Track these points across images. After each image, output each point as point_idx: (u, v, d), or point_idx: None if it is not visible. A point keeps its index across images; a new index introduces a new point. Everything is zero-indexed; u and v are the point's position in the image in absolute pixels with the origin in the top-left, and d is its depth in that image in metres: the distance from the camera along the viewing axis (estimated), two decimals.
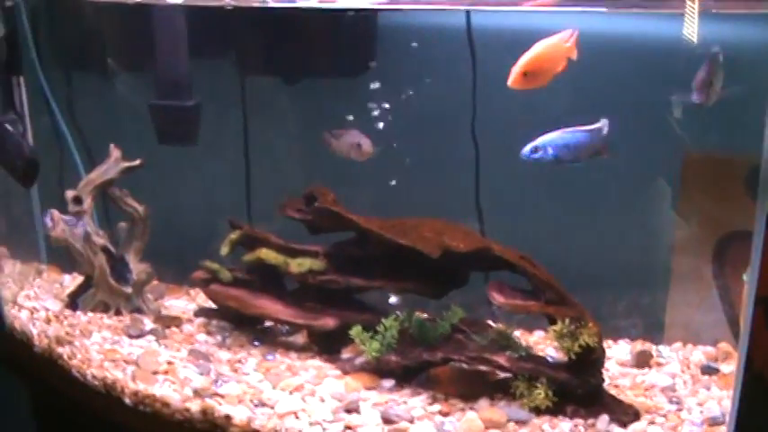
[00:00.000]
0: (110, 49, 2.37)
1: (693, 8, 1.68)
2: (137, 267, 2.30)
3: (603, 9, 1.83)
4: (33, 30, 2.37)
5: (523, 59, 1.68)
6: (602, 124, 1.77)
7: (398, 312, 2.02)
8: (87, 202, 2.26)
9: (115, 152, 2.24)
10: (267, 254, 2.16)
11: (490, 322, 2.06)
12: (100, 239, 2.28)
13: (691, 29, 1.72)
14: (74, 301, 2.32)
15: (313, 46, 2.25)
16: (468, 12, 2.09)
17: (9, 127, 2.21)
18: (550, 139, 1.75)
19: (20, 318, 2.27)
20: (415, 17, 2.14)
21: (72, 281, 2.50)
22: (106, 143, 2.26)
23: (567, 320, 1.81)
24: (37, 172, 2.18)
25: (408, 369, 1.94)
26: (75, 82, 2.48)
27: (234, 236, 2.21)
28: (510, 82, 1.68)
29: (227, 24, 2.19)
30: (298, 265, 2.12)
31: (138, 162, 2.25)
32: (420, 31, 2.13)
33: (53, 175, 2.42)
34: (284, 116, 2.34)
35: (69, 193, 2.27)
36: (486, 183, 2.23)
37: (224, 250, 2.21)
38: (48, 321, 2.25)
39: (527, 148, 1.75)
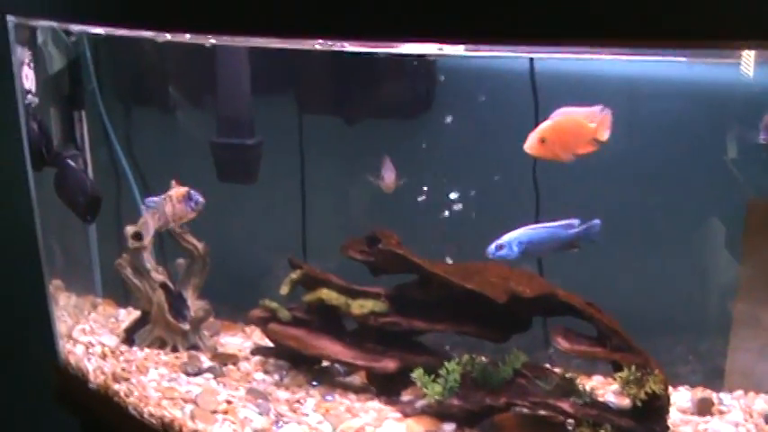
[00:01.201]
0: (171, 85, 2.41)
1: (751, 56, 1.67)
2: (194, 304, 2.31)
3: (678, 58, 1.83)
4: (95, 64, 2.40)
5: (542, 126, 1.68)
6: (572, 221, 1.80)
7: (455, 354, 2.05)
8: (147, 239, 2.26)
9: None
10: (328, 294, 2.17)
11: (549, 366, 2.07)
12: (159, 276, 2.29)
13: (748, 71, 1.72)
14: (130, 337, 2.33)
15: (374, 86, 2.28)
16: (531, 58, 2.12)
17: (71, 162, 2.23)
18: (515, 236, 1.78)
19: (75, 353, 2.29)
20: (475, 59, 2.12)
21: (127, 315, 2.51)
22: (165, 179, 2.26)
23: (632, 367, 1.81)
24: (99, 208, 2.20)
25: (471, 413, 1.93)
26: (135, 117, 2.52)
27: (294, 275, 2.22)
28: (526, 146, 1.68)
29: (287, 61, 2.21)
30: (360, 307, 2.13)
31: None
32: (481, 74, 2.14)
33: (110, 210, 2.44)
34: (342, 155, 2.37)
35: (129, 229, 2.27)
36: None
37: (284, 290, 2.22)
38: (104, 357, 2.25)
39: (492, 246, 1.78)
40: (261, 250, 2.42)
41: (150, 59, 2.38)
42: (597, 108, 1.70)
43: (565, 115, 1.69)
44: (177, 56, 2.34)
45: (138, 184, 2.48)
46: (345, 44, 1.77)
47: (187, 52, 2.21)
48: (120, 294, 2.48)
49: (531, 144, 1.67)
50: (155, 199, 2.05)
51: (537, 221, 2.18)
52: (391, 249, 2.09)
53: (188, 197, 2.02)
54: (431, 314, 2.08)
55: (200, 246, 2.31)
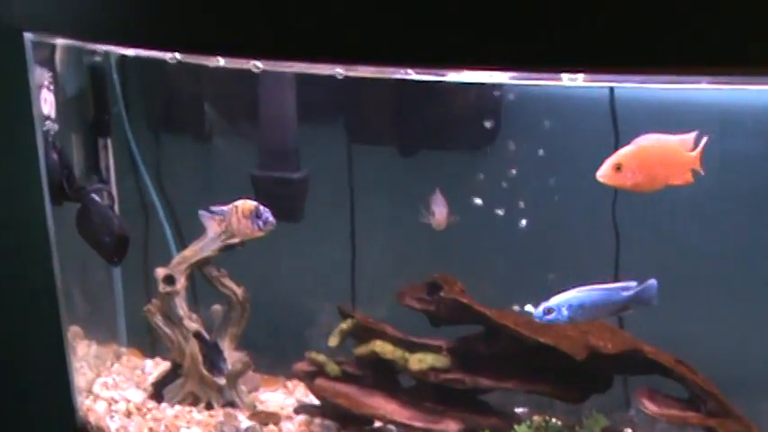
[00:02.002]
0: (207, 111, 2.50)
1: None
2: (231, 356, 2.36)
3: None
4: (122, 86, 2.50)
5: (622, 151, 1.74)
6: (628, 283, 1.86)
7: (525, 416, 2.13)
8: (181, 282, 2.33)
9: (214, 227, 2.25)
10: (383, 347, 2.24)
11: (630, 431, 2.17)
12: (193, 324, 2.35)
13: None
14: (158, 392, 2.39)
15: (433, 114, 2.36)
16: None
17: (96, 197, 2.28)
18: (566, 299, 1.83)
19: (95, 410, 2.35)
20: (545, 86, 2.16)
21: (155, 367, 2.60)
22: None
23: None
24: (126, 248, 2.24)
25: None
26: (167, 146, 2.60)
27: (345, 325, 2.29)
28: (600, 173, 1.73)
29: (335, 87, 2.21)
30: (418, 362, 2.20)
31: (238, 239, 2.27)
32: (552, 101, 2.20)
33: (138, 250, 2.51)
34: (396, 190, 2.44)
35: (161, 272, 2.34)
36: (627, 273, 2.23)
37: (333, 341, 2.29)
38: (128, 414, 2.32)
39: (539, 309, 1.83)
40: (306, 296, 2.49)
41: (184, 82, 2.48)
42: (692, 135, 1.76)
43: (651, 141, 1.74)
44: (215, 78, 2.42)
45: (170, 221, 2.57)
46: (409, 71, 1.83)
47: (226, 75, 2.26)
48: (148, 343, 2.55)
49: (605, 171, 1.72)
50: (222, 208, 2.07)
51: (616, 267, 2.29)
52: (454, 297, 2.17)
53: (256, 213, 2.02)
54: (498, 370, 2.15)
55: (239, 291, 2.36)
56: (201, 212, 2.12)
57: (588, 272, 2.19)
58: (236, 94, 2.41)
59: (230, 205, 2.03)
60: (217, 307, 2.41)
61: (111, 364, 2.60)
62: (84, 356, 2.44)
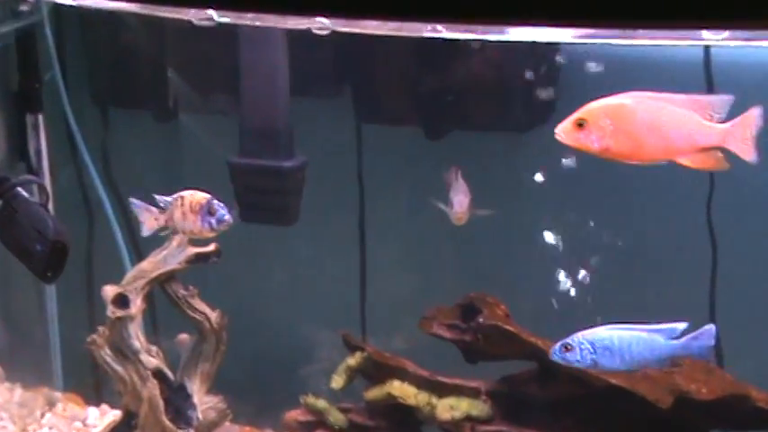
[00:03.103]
0: (172, 79, 2.48)
1: None
2: (203, 402, 2.35)
3: None
4: (59, 50, 2.49)
5: (595, 103, 1.70)
6: (676, 325, 1.78)
7: None
8: (137, 305, 2.31)
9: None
10: (402, 390, 2.23)
11: None
12: (152, 359, 2.33)
13: None
14: None
15: (467, 85, 2.34)
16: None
17: (23, 192, 2.18)
18: (590, 338, 1.77)
19: None
20: (612, 49, 2.20)
21: (101, 417, 2.57)
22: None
23: None
24: (64, 260, 2.11)
25: None
26: (118, 124, 2.62)
27: (352, 360, 2.29)
28: (558, 128, 1.70)
29: (341, 51, 2.29)
30: (449, 409, 2.18)
31: (212, 248, 2.27)
32: (627, 66, 2.17)
33: (79, 263, 2.52)
34: (419, 184, 2.45)
35: (110, 290, 2.31)
36: (727, 290, 2.29)
37: (337, 382, 2.29)
38: None
39: (557, 345, 1.79)
40: (302, 321, 2.52)
41: (140, 39, 2.47)
42: (724, 98, 1.70)
43: (641, 96, 1.69)
44: (181, 35, 2.39)
45: (122, 223, 2.56)
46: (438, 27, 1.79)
47: (195, 31, 2.17)
48: (91, 386, 2.57)
49: (564, 126, 1.69)
50: (165, 198, 2.06)
51: (712, 285, 2.28)
52: (496, 324, 2.16)
53: (207, 209, 2.00)
54: (555, 421, 2.14)
55: (212, 315, 2.34)
56: (134, 201, 2.08)
57: (677, 291, 2.27)
58: (210, 56, 2.39)
59: (175, 195, 2.02)
60: (184, 336, 2.42)
61: (42, 415, 2.59)
62: (4, 404, 2.49)
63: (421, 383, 2.24)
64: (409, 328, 2.32)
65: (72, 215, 2.53)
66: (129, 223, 2.58)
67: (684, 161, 1.68)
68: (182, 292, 2.38)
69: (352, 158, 2.46)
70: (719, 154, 1.68)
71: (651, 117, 1.67)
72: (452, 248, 2.44)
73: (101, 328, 2.37)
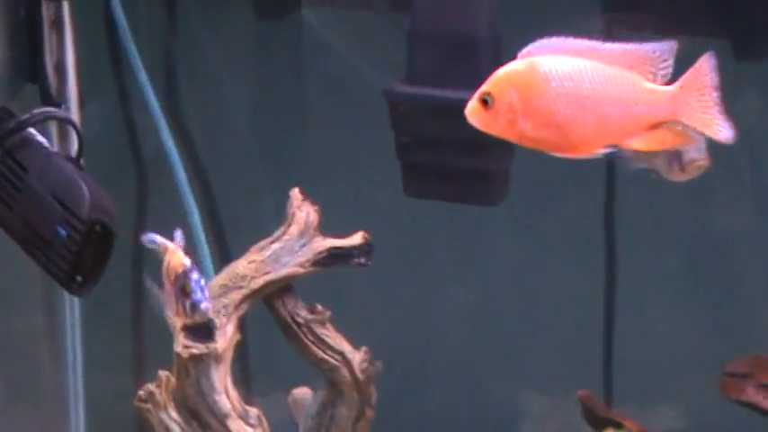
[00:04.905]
0: None
1: None
2: None
3: None
4: None
5: (501, 70, 1.81)
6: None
7: None
8: (227, 335, 2.25)
9: (301, 208, 2.28)
10: None
11: None
12: (250, 430, 2.27)
13: None
14: None
15: None
16: None
17: (38, 138, 2.24)
18: None
19: None
20: None
21: None
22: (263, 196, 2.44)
23: None
24: (107, 257, 2.18)
25: None
26: (191, 21, 2.80)
27: None
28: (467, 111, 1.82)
29: None
30: None
31: (358, 239, 2.28)
32: None
33: (122, 257, 2.43)
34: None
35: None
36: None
37: None
38: None
39: None
40: (506, 376, 2.70)
41: None
42: (665, 45, 1.79)
43: (556, 46, 1.80)
44: None
45: (200, 193, 2.66)
46: None
47: None
48: None
49: (470, 106, 1.81)
50: (154, 238, 2.14)
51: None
52: None
53: (180, 284, 2.08)
54: None
55: (356, 357, 2.31)
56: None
57: None
58: None
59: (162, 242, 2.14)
60: (304, 392, 2.39)
61: None
62: None
63: None
64: (693, 389, 2.52)
65: (112, 178, 2.47)
66: (211, 196, 2.72)
67: (635, 144, 1.80)
68: (304, 314, 2.31)
69: None
70: (678, 127, 1.80)
71: (572, 86, 1.79)
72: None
73: (161, 375, 2.27)
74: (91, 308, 2.58)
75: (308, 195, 2.32)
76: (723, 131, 1.75)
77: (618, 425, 2.29)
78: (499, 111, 1.79)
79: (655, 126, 1.79)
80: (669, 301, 2.74)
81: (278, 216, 2.31)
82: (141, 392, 2.26)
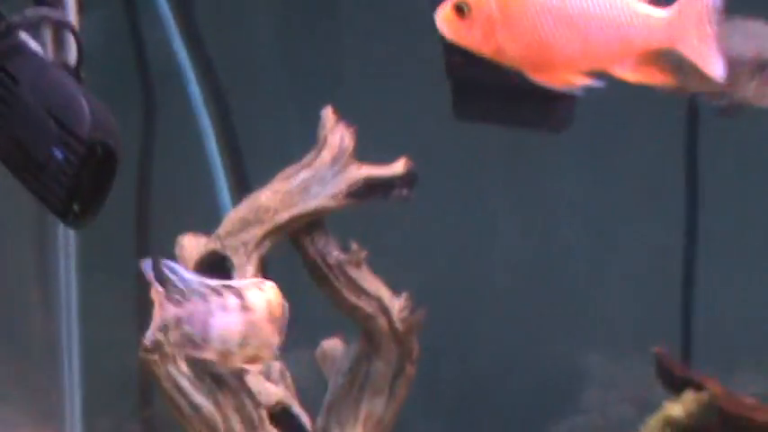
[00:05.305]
0: None
1: None
2: None
3: None
4: None
5: None
6: None
7: None
8: (247, 275, 2.27)
9: (334, 131, 2.29)
10: None
11: None
12: (273, 387, 2.29)
13: None
14: None
15: None
16: None
17: (29, 43, 2.16)
18: None
19: None
20: None
21: None
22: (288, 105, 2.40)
23: None
24: (109, 184, 2.10)
25: None
26: None
27: (677, 409, 2.26)
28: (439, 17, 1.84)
29: None
30: None
31: (400, 167, 2.29)
32: None
33: (125, 189, 2.46)
34: None
35: (191, 245, 2.29)
36: None
37: None
38: None
39: None
40: (566, 330, 2.75)
41: None
42: None
43: None
44: None
45: (216, 113, 2.68)
46: None
47: None
48: None
49: (443, 14, 1.82)
50: (179, 271, 2.07)
51: None
52: None
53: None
54: None
55: (395, 305, 2.31)
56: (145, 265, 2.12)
57: None
58: None
59: (217, 284, 2.06)
60: (333, 344, 2.40)
61: None
62: None
63: None
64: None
65: (116, 94, 2.40)
66: (229, 116, 2.68)
67: (622, 72, 1.84)
68: (336, 254, 2.32)
69: None
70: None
71: (558, 0, 1.82)
72: None
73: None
74: (88, 245, 2.58)
75: (342, 117, 2.30)
76: (717, 67, 1.77)
77: (699, 386, 2.28)
78: (475, 21, 1.81)
79: (646, 53, 1.80)
80: (756, 253, 2.75)
81: (306, 140, 2.30)
82: (145, 343, 2.20)
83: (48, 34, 2.24)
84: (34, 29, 2.17)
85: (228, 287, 2.07)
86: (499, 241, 2.81)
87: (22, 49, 2.13)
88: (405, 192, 2.29)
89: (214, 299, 2.07)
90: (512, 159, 2.68)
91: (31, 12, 2.17)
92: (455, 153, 2.61)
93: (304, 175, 2.29)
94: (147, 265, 2.07)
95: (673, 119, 2.70)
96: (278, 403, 2.26)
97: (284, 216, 2.27)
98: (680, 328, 2.70)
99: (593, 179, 2.77)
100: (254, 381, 2.27)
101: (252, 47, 2.88)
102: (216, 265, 2.29)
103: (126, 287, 2.67)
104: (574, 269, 2.87)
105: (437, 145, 2.59)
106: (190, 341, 2.08)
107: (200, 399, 2.25)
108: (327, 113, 2.30)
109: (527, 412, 2.73)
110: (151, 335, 2.10)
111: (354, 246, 2.29)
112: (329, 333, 2.40)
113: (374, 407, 2.35)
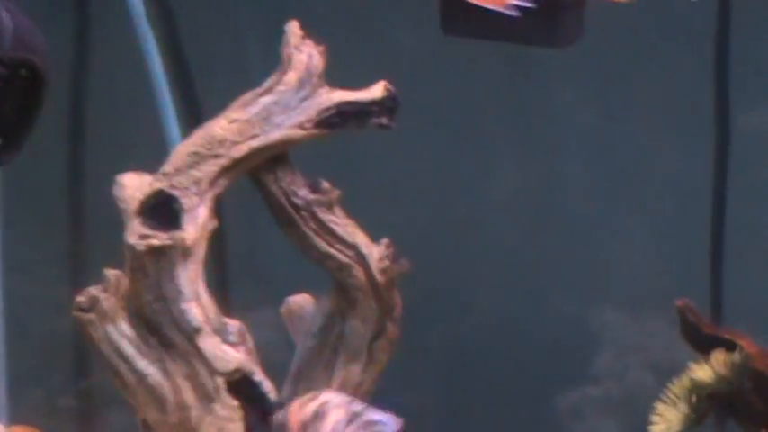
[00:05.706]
0: None
1: None
2: None
3: None
4: None
5: None
6: None
7: None
8: (198, 220, 2.17)
9: (300, 49, 2.22)
10: None
11: None
12: (229, 350, 2.20)
13: None
14: None
15: None
16: None
17: None
18: None
19: None
20: None
21: None
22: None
23: None
24: (37, 109, 2.14)
25: None
26: None
27: (704, 372, 2.21)
28: None
29: None
30: None
31: (380, 91, 2.20)
32: None
33: (56, 122, 2.45)
34: None
35: (132, 185, 2.18)
36: None
37: (669, 418, 2.21)
38: None
39: None
40: (566, 287, 2.80)
41: None
42: None
43: None
44: None
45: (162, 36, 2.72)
46: None
47: None
48: (75, 412, 2.68)
49: None
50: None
51: None
52: None
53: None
54: None
55: (373, 253, 2.25)
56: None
57: None
58: None
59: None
60: (301, 300, 2.34)
61: None
62: None
63: None
64: None
65: (44, 5, 2.46)
66: (176, 32, 2.73)
67: None
68: (304, 193, 2.25)
69: None
70: None
71: None
72: None
73: (109, 275, 2.20)
74: (13, 187, 2.55)
75: (309, 33, 2.21)
76: None
77: (730, 345, 2.20)
78: None
79: None
80: None
81: (267, 60, 2.24)
82: (81, 299, 2.18)
83: None
84: None
85: None
86: (496, 179, 2.74)
87: None
88: (384, 120, 2.20)
89: None
90: (510, 81, 2.63)
91: None
92: (443, 75, 2.57)
93: (265, 100, 2.19)
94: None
95: (701, 32, 2.61)
96: (237, 370, 2.18)
97: (242, 149, 2.18)
98: (709, 282, 2.70)
99: (606, 105, 2.70)
100: (209, 342, 2.19)
101: None
102: (163, 208, 2.17)
103: (57, 237, 2.63)
104: (585, 213, 2.83)
105: (422, 65, 2.55)
106: None
107: (144, 365, 2.18)
108: (292, 28, 2.21)
109: (530, 381, 2.70)
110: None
111: (325, 184, 2.22)
112: (297, 288, 2.33)
113: (349, 373, 2.28)
